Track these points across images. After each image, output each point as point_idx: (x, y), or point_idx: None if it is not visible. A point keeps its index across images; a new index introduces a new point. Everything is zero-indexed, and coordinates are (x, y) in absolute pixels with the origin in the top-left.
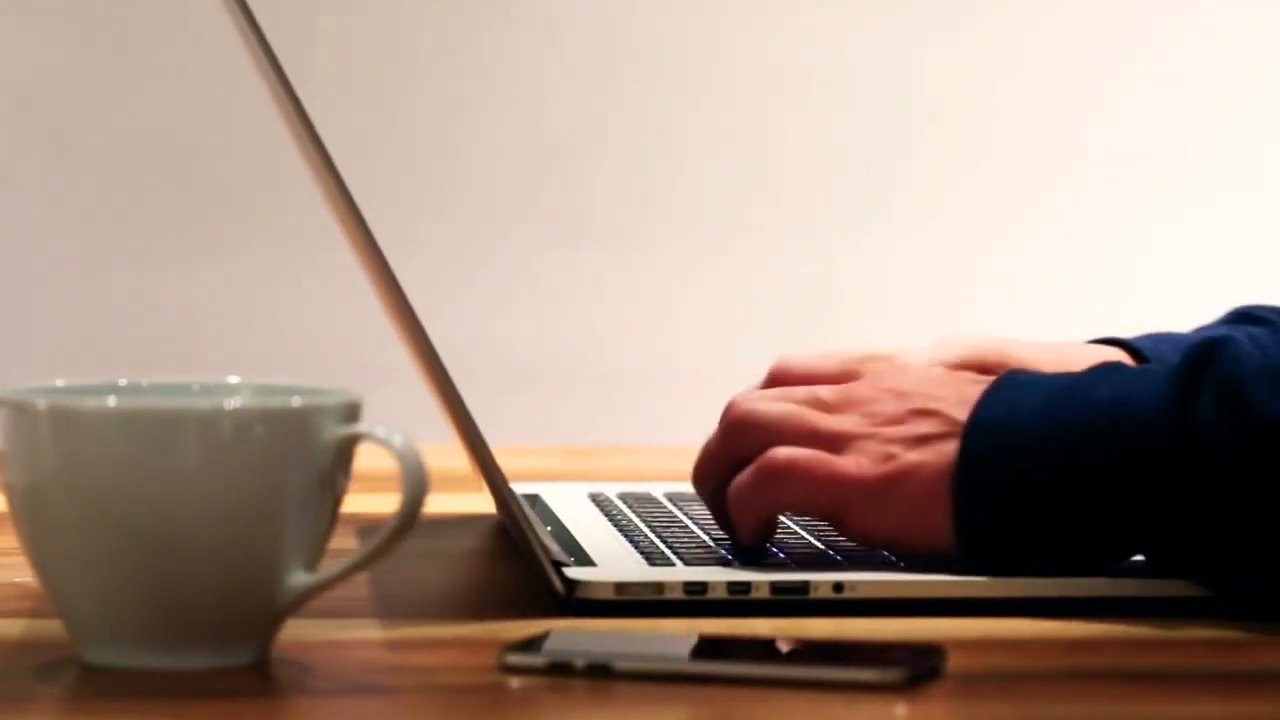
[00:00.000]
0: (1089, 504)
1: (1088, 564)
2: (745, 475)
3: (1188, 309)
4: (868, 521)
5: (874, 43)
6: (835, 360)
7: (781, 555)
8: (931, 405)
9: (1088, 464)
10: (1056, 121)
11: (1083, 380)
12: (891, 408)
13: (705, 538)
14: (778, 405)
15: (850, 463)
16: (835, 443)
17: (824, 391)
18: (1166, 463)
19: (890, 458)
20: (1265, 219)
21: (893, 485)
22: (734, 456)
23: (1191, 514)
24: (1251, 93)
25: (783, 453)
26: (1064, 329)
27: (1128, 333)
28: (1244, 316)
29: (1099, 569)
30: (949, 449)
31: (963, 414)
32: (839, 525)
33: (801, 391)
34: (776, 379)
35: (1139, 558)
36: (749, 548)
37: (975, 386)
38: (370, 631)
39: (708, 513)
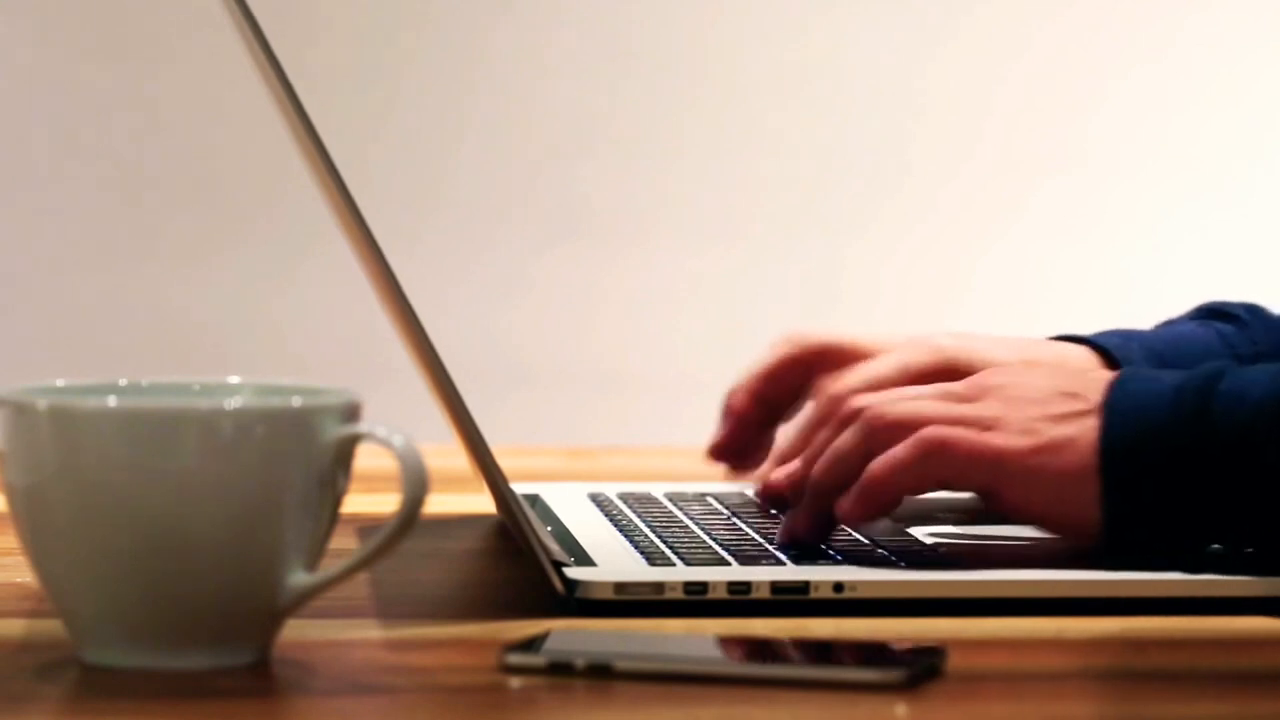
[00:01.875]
0: (1216, 492)
1: (1224, 550)
2: (899, 451)
3: (1183, 304)
4: (1022, 495)
5: (871, 41)
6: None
7: (781, 555)
8: (1068, 388)
9: (1211, 453)
10: (1052, 118)
11: (1204, 374)
12: (1030, 392)
13: (705, 538)
14: (916, 403)
15: (1002, 438)
16: (982, 426)
17: (954, 385)
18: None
19: (1039, 433)
20: (1259, 216)
21: (1044, 458)
22: (874, 453)
23: None
24: (1245, 91)
25: (941, 430)
26: (1060, 325)
27: (1121, 325)
28: (1212, 312)
29: (1235, 555)
30: (1092, 424)
31: (1097, 396)
32: (992, 499)
33: (927, 388)
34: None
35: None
36: (863, 520)
37: (1098, 378)
38: (370, 631)
39: (708, 513)
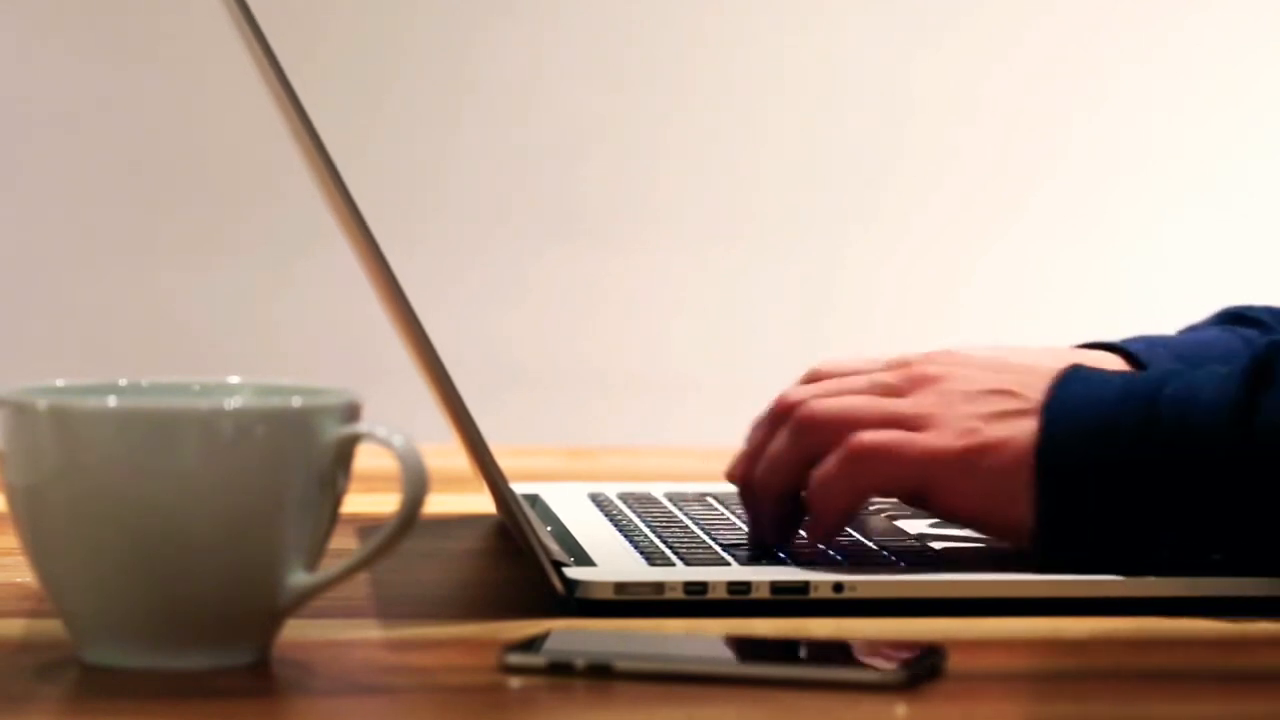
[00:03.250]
0: (1159, 496)
1: (1160, 556)
2: (830, 464)
3: (1176, 306)
4: (954, 496)
5: (869, 42)
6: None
7: (781, 555)
8: (1005, 385)
9: (1157, 458)
10: (1051, 118)
11: (1150, 378)
12: (965, 386)
13: (705, 538)
14: (847, 399)
15: (934, 438)
16: (913, 424)
17: (888, 376)
18: (1230, 462)
19: (972, 432)
20: (1253, 216)
21: (977, 458)
22: (807, 456)
23: (1257, 512)
24: (1238, 92)
25: (866, 436)
26: (1055, 327)
27: (1118, 330)
28: (1235, 317)
29: (1170, 562)
30: (1029, 426)
31: (1037, 395)
32: (925, 502)
33: (862, 380)
34: (819, 377)
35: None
36: (826, 540)
37: (1039, 376)
38: (370, 631)
39: (708, 513)
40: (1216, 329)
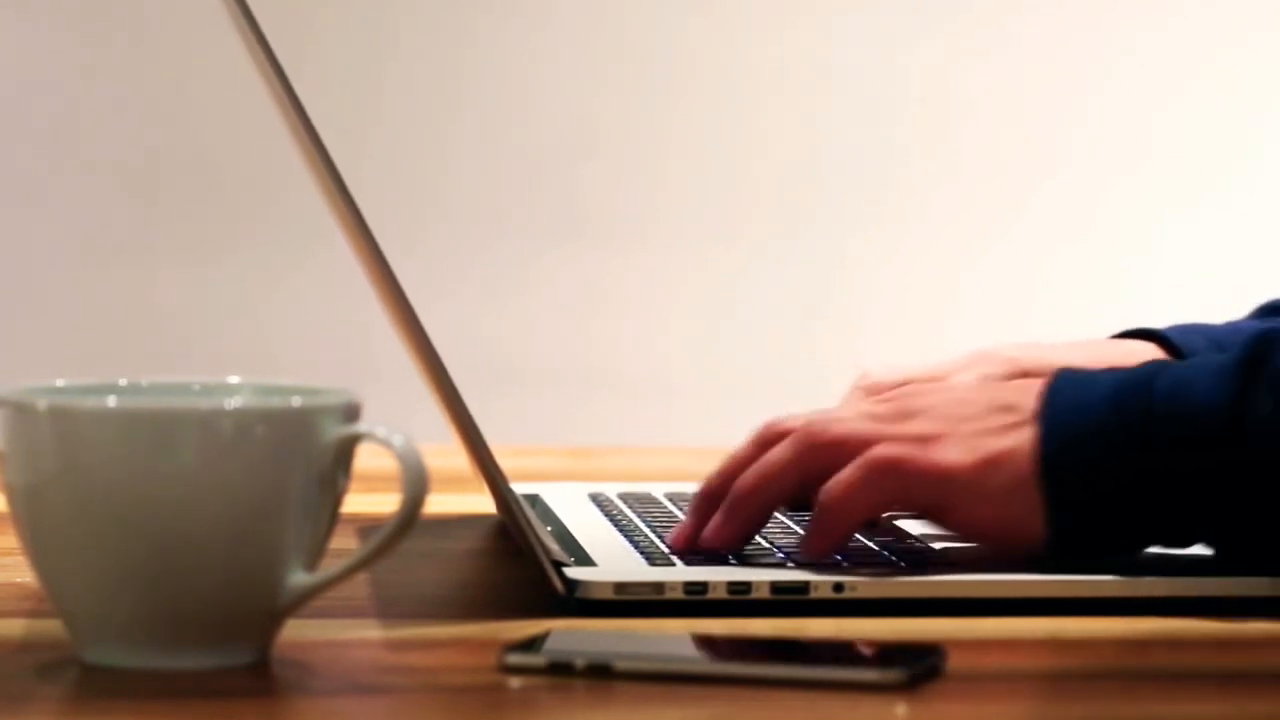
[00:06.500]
0: (1157, 492)
1: (1166, 548)
2: (848, 475)
3: (1176, 306)
4: (968, 513)
5: (868, 43)
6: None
7: (781, 555)
8: (1000, 400)
9: (1152, 454)
10: (1050, 117)
11: (1139, 373)
12: (960, 408)
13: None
14: (853, 423)
15: (948, 453)
16: (922, 444)
17: (878, 407)
18: (1223, 455)
19: (981, 447)
20: (1253, 215)
21: (989, 473)
22: (809, 471)
23: (1250, 506)
24: (1239, 91)
25: (886, 449)
26: (1055, 327)
27: (1117, 326)
28: (1274, 310)
29: (1170, 559)
30: (1029, 435)
31: (1032, 404)
32: (939, 519)
33: (850, 412)
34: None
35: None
36: (827, 554)
37: (1032, 386)
38: (370, 631)
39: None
40: (1256, 323)
